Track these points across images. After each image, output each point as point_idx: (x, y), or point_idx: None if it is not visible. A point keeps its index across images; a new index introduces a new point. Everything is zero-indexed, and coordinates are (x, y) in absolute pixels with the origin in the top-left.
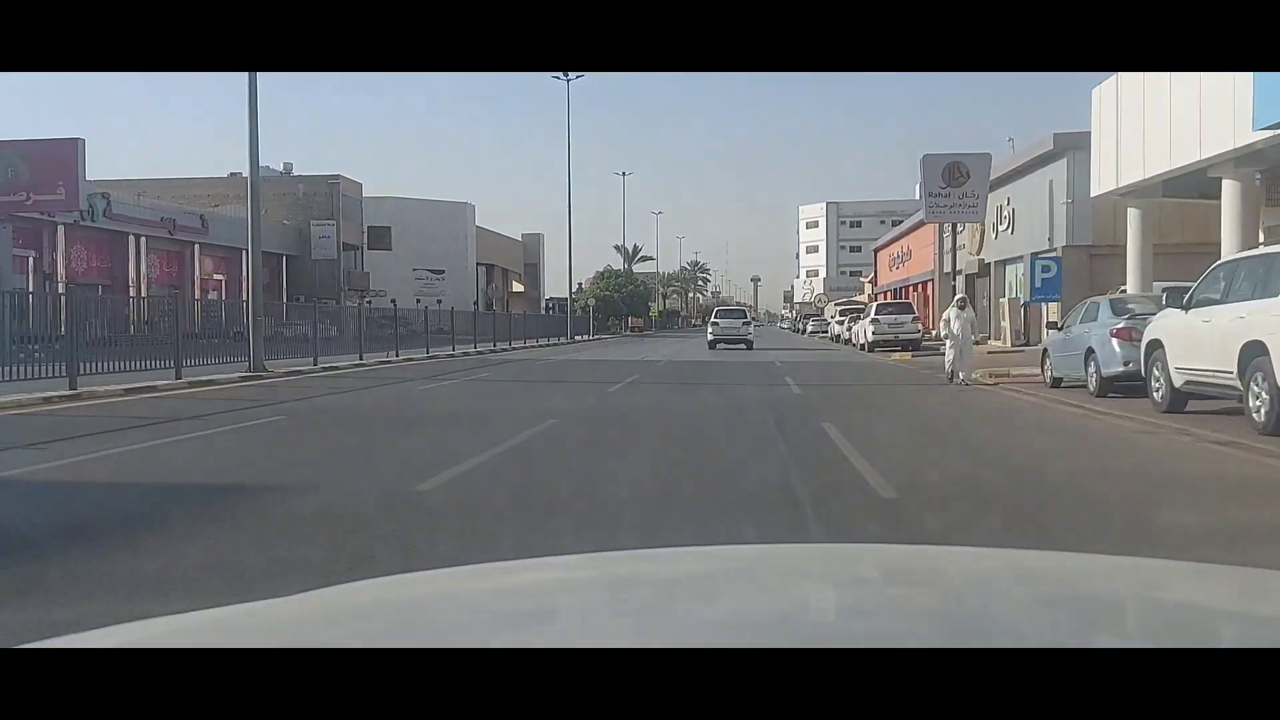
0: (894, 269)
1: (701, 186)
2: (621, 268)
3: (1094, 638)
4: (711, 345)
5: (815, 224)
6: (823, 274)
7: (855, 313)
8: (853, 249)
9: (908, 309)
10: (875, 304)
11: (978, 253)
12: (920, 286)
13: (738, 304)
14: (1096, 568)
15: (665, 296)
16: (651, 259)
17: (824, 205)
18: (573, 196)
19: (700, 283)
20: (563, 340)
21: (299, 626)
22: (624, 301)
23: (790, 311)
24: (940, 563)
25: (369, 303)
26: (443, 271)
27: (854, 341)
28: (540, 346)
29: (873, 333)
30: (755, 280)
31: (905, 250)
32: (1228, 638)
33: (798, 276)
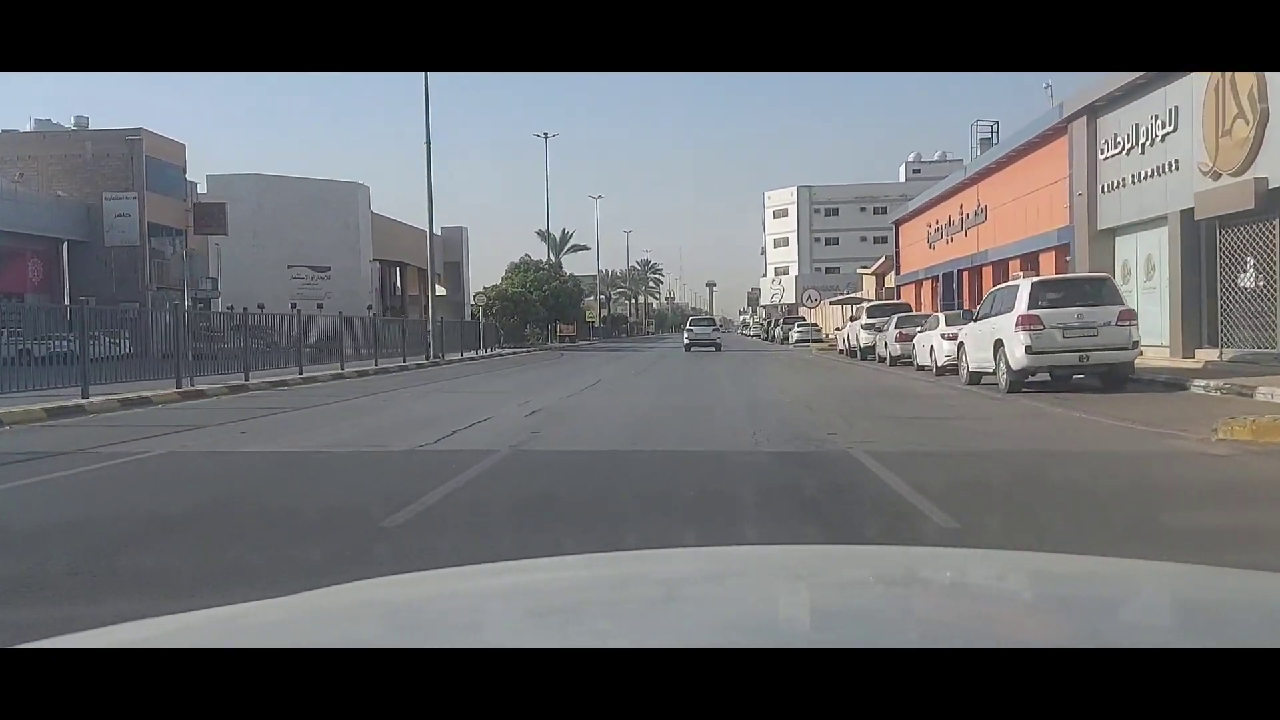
0: (939, 243)
1: (651, 175)
2: (546, 260)
3: (1093, 638)
4: (687, 348)
5: (784, 212)
6: (794, 271)
7: (899, 315)
8: (829, 241)
9: (1104, 289)
10: (1030, 280)
11: (1240, 169)
12: (1018, 264)
13: (706, 314)
14: (1095, 569)
15: (609, 299)
16: (586, 249)
17: (794, 190)
18: (491, 173)
19: (652, 284)
20: (424, 362)
21: (297, 627)
22: (547, 303)
23: (754, 315)
24: (940, 564)
25: (232, 308)
26: (328, 269)
27: (933, 365)
28: (379, 372)
29: (1028, 345)
30: (710, 285)
31: (970, 211)
32: (1228, 638)
33: (764, 274)
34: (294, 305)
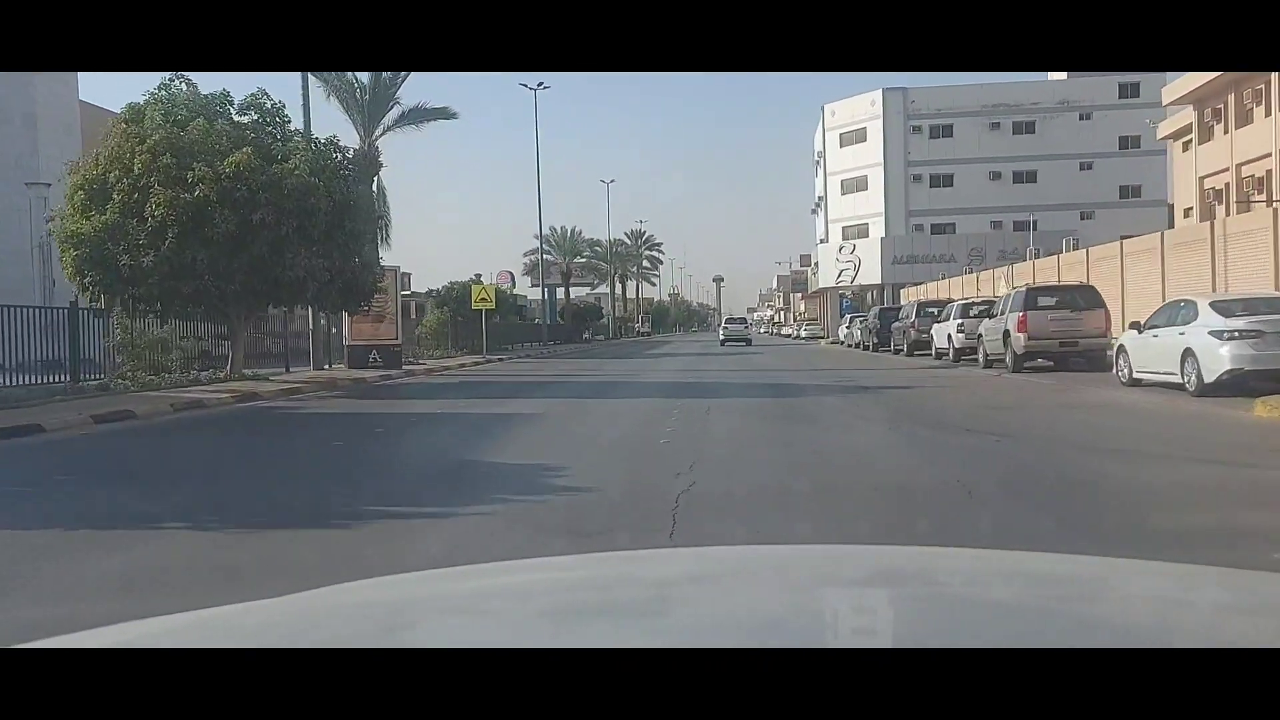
0: None
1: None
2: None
3: (1092, 638)
4: (723, 343)
5: (858, 134)
6: (878, 232)
7: None
8: (938, 181)
9: None
10: None
11: None
12: None
13: (740, 316)
14: (1093, 569)
15: (566, 275)
16: (451, 116)
17: (877, 97)
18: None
19: (646, 264)
20: None
21: (291, 626)
22: (225, 226)
23: (784, 308)
24: (935, 563)
25: None
26: None
27: None
28: None
29: None
30: (718, 280)
31: None
32: (1226, 638)
33: (822, 240)
34: None
